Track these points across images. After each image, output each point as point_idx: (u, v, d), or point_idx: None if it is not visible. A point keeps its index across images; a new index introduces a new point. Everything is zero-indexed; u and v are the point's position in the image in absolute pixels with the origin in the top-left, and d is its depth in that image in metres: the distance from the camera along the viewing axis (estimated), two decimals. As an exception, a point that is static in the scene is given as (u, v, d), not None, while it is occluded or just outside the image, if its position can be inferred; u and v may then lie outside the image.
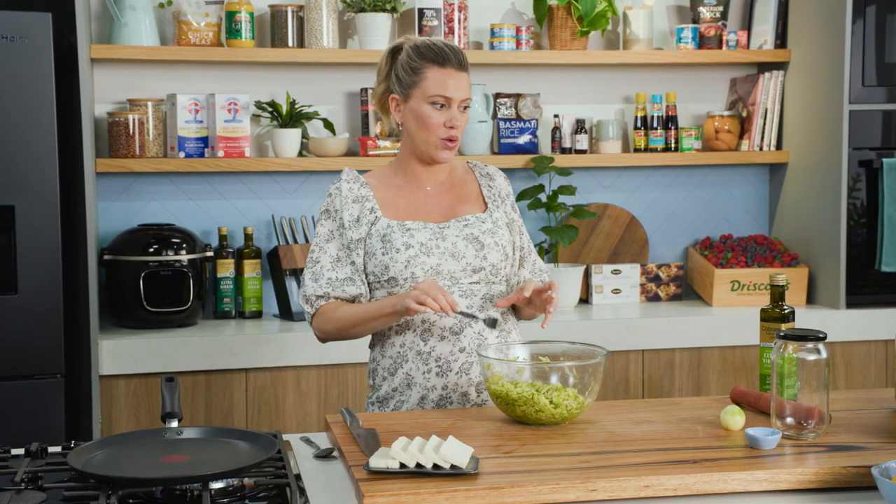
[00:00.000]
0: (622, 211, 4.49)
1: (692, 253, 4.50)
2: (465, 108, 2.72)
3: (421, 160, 2.76)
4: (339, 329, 2.69)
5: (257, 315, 4.12)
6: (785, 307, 2.55)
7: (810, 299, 4.34)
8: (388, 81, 2.76)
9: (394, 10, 4.14)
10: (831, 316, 4.14)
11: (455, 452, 2.03)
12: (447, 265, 2.67)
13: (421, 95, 2.69)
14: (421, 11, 4.17)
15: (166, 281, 3.86)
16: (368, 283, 2.72)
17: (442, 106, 2.68)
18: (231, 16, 4.04)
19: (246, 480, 2.01)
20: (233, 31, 4.04)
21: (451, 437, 2.08)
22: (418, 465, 2.02)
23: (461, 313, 2.58)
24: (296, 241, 4.15)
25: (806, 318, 4.10)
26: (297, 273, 4.13)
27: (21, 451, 2.21)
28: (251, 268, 4.11)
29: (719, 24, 4.44)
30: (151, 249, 3.85)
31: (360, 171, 2.83)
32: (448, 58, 2.69)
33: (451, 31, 4.20)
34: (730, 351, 4.08)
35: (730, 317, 4.10)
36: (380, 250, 2.68)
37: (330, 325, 2.70)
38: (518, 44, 4.29)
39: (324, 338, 2.76)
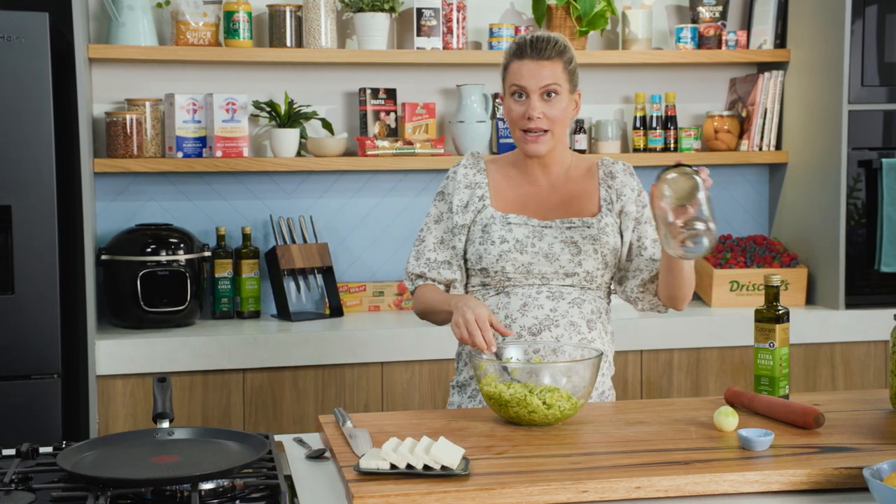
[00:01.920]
0: (621, 211, 4.48)
1: (691, 253, 4.48)
2: (550, 94, 2.67)
3: (528, 157, 2.77)
4: (421, 312, 2.80)
5: (255, 315, 4.12)
6: (779, 307, 2.54)
7: (809, 300, 4.33)
8: None
9: (392, 9, 4.14)
10: (830, 316, 4.13)
11: (446, 453, 2.03)
12: (539, 266, 2.69)
13: (507, 89, 2.73)
14: (419, 11, 4.16)
15: (164, 281, 3.85)
16: (466, 269, 2.77)
17: (521, 96, 2.69)
18: (229, 16, 4.03)
19: (237, 481, 2.01)
20: (231, 31, 4.04)
21: (441, 438, 2.08)
22: (409, 466, 2.02)
23: (496, 354, 2.53)
24: (294, 241, 4.15)
25: (805, 319, 4.09)
26: (295, 273, 4.13)
27: (12, 451, 2.21)
28: (249, 268, 4.10)
29: (719, 23, 4.43)
30: (149, 249, 3.85)
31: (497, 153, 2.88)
32: (524, 49, 2.69)
33: (450, 30, 4.20)
34: (728, 351, 4.07)
35: (728, 317, 4.09)
36: (478, 239, 2.73)
37: (418, 307, 2.80)
38: (517, 44, 4.28)
39: (420, 317, 2.83)
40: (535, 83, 2.67)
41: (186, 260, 3.90)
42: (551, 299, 2.68)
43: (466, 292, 2.80)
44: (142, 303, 3.82)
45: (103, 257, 3.87)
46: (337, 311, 4.12)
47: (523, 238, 2.70)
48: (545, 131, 2.69)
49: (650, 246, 2.77)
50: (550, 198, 2.77)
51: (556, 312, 2.67)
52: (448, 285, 2.79)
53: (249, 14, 4.06)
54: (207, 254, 4.01)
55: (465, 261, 2.78)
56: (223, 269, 4.08)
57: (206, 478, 1.95)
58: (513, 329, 2.67)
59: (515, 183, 2.80)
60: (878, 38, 4.11)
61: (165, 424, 2.22)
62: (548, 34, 2.73)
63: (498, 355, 2.50)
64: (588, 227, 2.72)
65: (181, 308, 3.87)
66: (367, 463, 2.02)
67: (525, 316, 2.67)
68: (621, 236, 2.77)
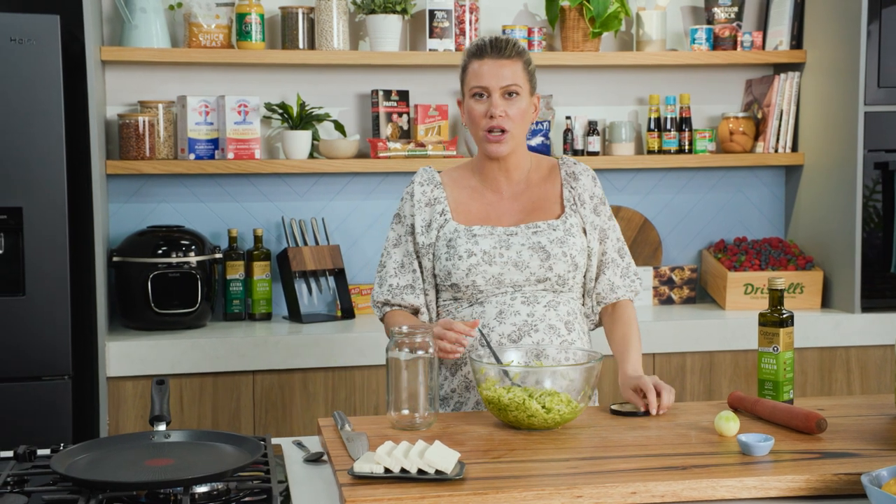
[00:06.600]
0: (635, 213, 4.46)
1: (706, 256, 4.46)
2: (511, 94, 2.65)
3: (490, 159, 2.73)
4: None
5: (267, 317, 4.12)
6: (783, 311, 2.51)
7: (825, 303, 4.29)
8: None
9: (404, 11, 4.13)
10: (846, 320, 4.09)
11: (440, 457, 2.01)
12: (510, 275, 2.65)
13: (467, 91, 2.69)
14: (432, 13, 4.15)
15: (175, 283, 3.86)
16: (435, 285, 2.72)
17: (482, 96, 2.66)
18: (241, 17, 4.04)
19: (231, 484, 2.01)
20: (243, 33, 4.04)
21: (437, 442, 2.07)
22: (403, 471, 2.01)
23: (483, 335, 2.55)
24: (305, 243, 4.15)
25: (820, 322, 4.06)
26: (307, 275, 4.13)
27: (10, 453, 2.22)
28: (261, 270, 4.10)
29: (734, 24, 4.40)
30: (160, 251, 3.86)
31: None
32: (484, 49, 2.66)
33: (462, 32, 4.19)
34: (742, 355, 4.04)
35: (742, 320, 4.06)
36: (444, 255, 2.68)
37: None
38: (530, 45, 4.27)
39: None
40: (496, 82, 2.64)
41: (198, 262, 3.90)
42: (527, 304, 2.64)
43: (437, 307, 2.75)
44: (153, 304, 3.83)
45: (114, 259, 3.88)
46: (348, 313, 4.12)
47: (490, 249, 2.65)
48: (505, 131, 2.65)
49: (608, 266, 2.77)
50: (514, 204, 2.74)
51: (533, 317, 2.64)
52: (416, 311, 2.74)
53: (262, 16, 4.06)
54: (219, 255, 4.01)
55: (434, 277, 2.72)
56: (235, 271, 4.09)
57: (199, 481, 1.94)
58: (492, 338, 2.63)
59: (477, 193, 2.76)
60: (894, 39, 4.06)
61: (162, 427, 2.22)
62: (506, 36, 2.72)
63: (498, 359, 2.48)
64: (554, 230, 2.68)
65: (192, 310, 3.87)
66: (360, 467, 2.01)
67: (503, 324, 2.63)
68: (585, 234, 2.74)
